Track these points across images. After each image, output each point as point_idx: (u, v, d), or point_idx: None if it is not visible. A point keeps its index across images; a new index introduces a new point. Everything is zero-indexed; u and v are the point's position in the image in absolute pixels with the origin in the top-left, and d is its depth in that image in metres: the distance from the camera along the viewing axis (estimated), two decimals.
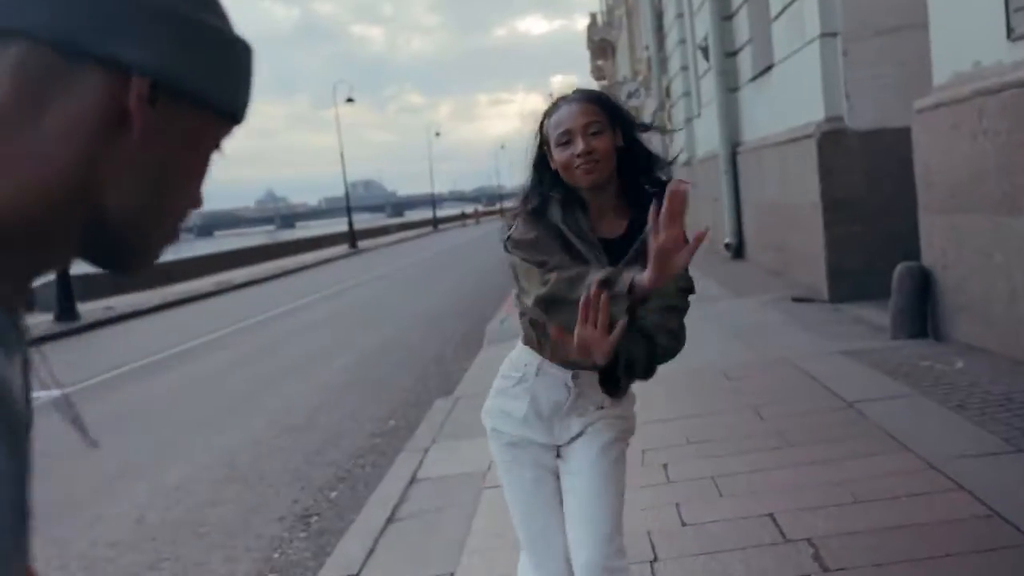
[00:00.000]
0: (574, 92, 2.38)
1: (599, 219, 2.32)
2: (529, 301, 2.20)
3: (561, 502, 2.45)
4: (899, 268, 7.41)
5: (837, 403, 5.48)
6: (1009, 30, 5.90)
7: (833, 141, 10.00)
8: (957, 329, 6.84)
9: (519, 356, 2.47)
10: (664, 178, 2.35)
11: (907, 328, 7.29)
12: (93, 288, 27.44)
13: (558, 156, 2.28)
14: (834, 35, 9.96)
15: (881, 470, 4.23)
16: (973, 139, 6.30)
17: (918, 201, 7.46)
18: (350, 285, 23.41)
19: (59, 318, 19.16)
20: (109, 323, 20.38)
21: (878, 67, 9.88)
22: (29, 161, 0.70)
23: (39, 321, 18.41)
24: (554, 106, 2.34)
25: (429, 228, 75.94)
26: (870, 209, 9.96)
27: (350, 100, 47.10)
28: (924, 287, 7.26)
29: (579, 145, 2.23)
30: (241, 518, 5.63)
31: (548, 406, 2.41)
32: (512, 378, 2.46)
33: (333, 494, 5.88)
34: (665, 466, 4.72)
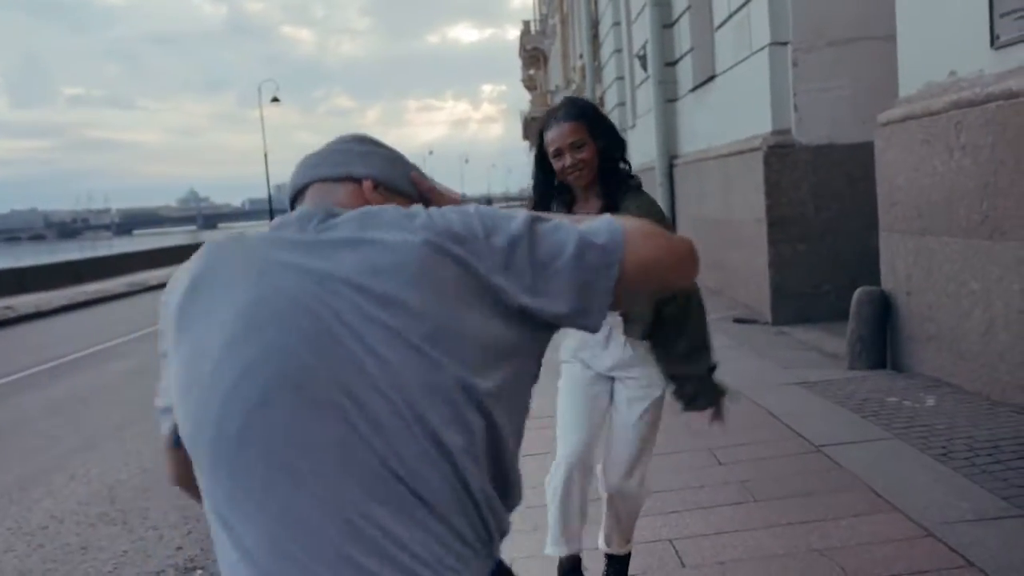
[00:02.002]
0: (563, 109, 3.06)
1: (584, 203, 3.06)
2: None
3: (601, 417, 3.19)
4: (858, 293, 6.86)
5: (803, 446, 4.86)
6: (993, 37, 5.37)
7: (780, 155, 9.49)
8: (922, 361, 6.30)
9: None
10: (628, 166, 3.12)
11: (866, 358, 6.73)
12: None
13: (554, 164, 3.02)
14: (784, 44, 9.45)
15: (870, 535, 3.60)
16: (949, 155, 5.76)
17: (879, 221, 6.92)
18: None
19: None
20: (6, 325, 19.07)
21: (830, 79, 9.40)
22: None
23: None
24: (548, 121, 3.03)
25: None
26: (817, 227, 9.48)
27: (275, 100, 45.89)
28: (884, 314, 6.72)
29: (567, 159, 2.97)
30: (111, 569, 4.79)
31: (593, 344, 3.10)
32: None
33: None
34: None
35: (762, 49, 9.70)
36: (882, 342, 6.74)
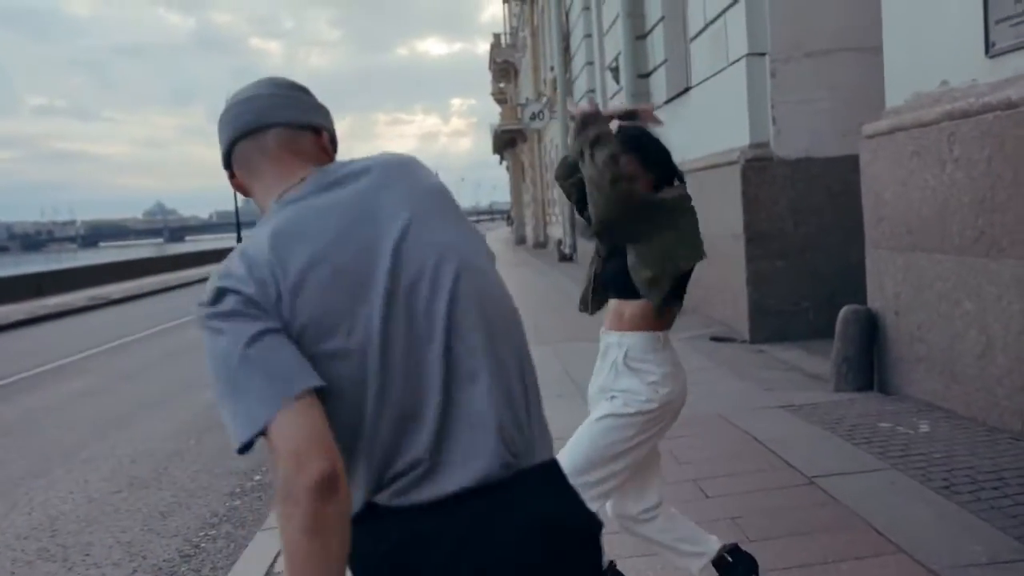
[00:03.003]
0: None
1: None
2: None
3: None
4: (844, 312, 6.59)
5: (794, 477, 4.55)
6: (988, 44, 5.12)
7: (758, 169, 9.25)
8: (912, 384, 6.03)
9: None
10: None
11: (852, 379, 6.46)
12: None
13: None
14: (762, 55, 9.23)
15: None
16: (941, 168, 5.51)
17: (865, 237, 6.65)
18: None
19: None
20: None
21: (809, 91, 9.18)
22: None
23: None
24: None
25: None
26: (796, 243, 9.24)
27: None
28: (871, 334, 6.45)
29: None
30: None
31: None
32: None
33: None
34: None
35: (739, 60, 9.47)
36: (869, 363, 6.47)
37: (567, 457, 2.85)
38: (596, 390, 3.07)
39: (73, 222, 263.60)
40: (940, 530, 3.69)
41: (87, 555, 5.14)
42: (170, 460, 7.13)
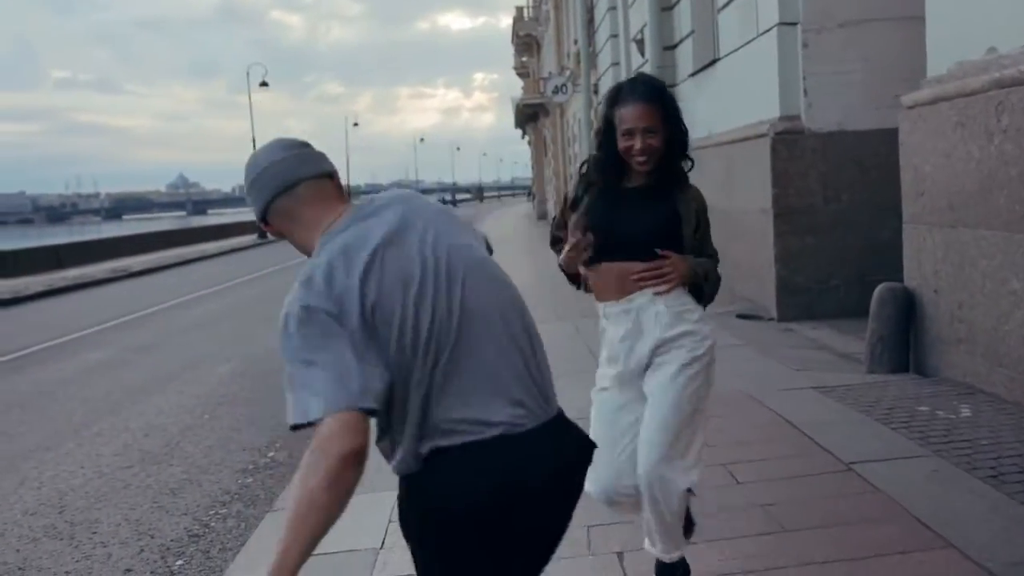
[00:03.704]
0: (640, 86, 2.94)
1: (635, 181, 2.94)
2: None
3: (633, 439, 2.95)
4: (879, 290, 6.33)
5: (830, 463, 4.32)
6: None
7: (788, 142, 8.96)
8: (951, 366, 5.78)
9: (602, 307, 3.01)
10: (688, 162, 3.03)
11: (887, 361, 6.21)
12: None
13: (621, 143, 2.88)
14: (793, 25, 8.90)
15: None
16: (987, 139, 5.23)
17: (903, 212, 6.37)
18: (250, 278, 21.67)
19: None
20: None
21: (841, 62, 8.86)
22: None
23: None
24: (622, 95, 2.91)
25: None
26: (826, 219, 8.95)
27: (264, 84, 45.09)
28: (908, 313, 6.19)
29: (637, 142, 2.84)
30: None
31: (617, 337, 2.94)
32: (601, 331, 3.04)
33: (178, 563, 4.49)
34: (620, 556, 3.50)
35: (770, 30, 9.16)
36: (905, 344, 6.22)
37: (665, 433, 2.84)
38: (648, 351, 2.91)
39: (97, 195, 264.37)
40: (991, 524, 3.45)
41: (94, 533, 4.99)
42: (183, 435, 6.98)
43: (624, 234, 2.88)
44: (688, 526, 3.14)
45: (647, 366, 2.92)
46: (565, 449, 1.95)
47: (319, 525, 1.65)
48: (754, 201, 9.49)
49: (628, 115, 2.86)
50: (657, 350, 2.89)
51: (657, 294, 2.86)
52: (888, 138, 8.22)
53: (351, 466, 1.65)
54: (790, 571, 3.22)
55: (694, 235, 2.94)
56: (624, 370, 2.95)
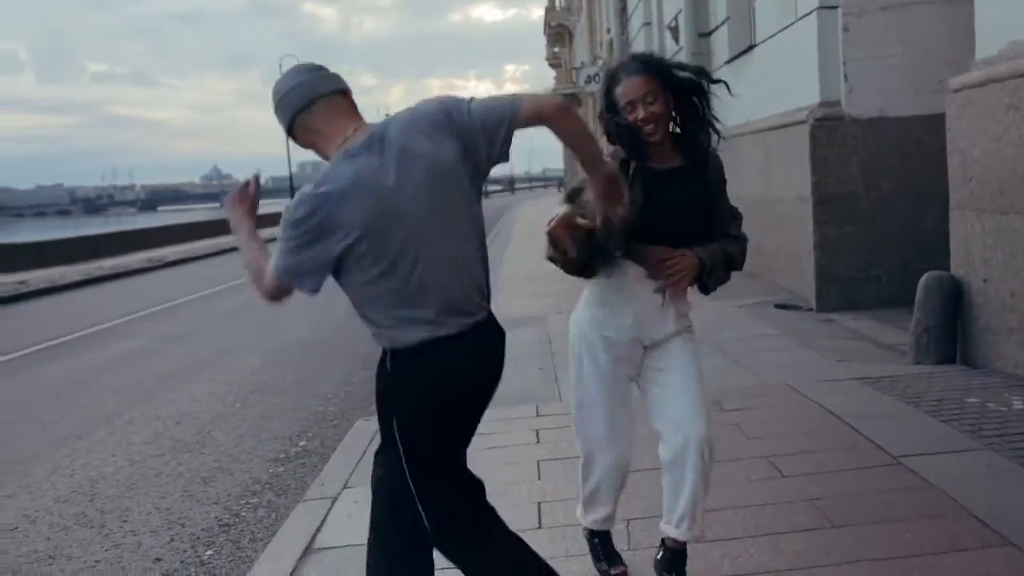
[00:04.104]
0: (630, 63, 2.98)
1: (663, 159, 2.95)
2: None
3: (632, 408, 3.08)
4: (925, 278, 6.14)
5: (878, 456, 4.17)
6: None
7: (828, 129, 8.76)
8: (1001, 357, 5.59)
9: (612, 280, 2.94)
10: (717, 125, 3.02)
11: (933, 351, 6.03)
12: (13, 260, 25.65)
13: (629, 118, 2.90)
14: (834, 8, 8.69)
15: None
16: None
17: (950, 198, 6.18)
18: None
19: None
20: (18, 300, 18.63)
21: (882, 47, 8.64)
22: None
23: None
24: (615, 77, 2.96)
25: None
26: (866, 207, 8.74)
27: None
28: (955, 302, 6.00)
29: (640, 112, 2.88)
30: None
31: (645, 312, 2.95)
32: (611, 294, 2.97)
33: (208, 552, 4.43)
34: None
35: (809, 14, 8.96)
36: (952, 334, 6.03)
37: (702, 398, 2.95)
38: (655, 329, 2.99)
39: (133, 186, 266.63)
40: None
41: (124, 521, 4.94)
42: (214, 423, 6.93)
43: (658, 215, 2.87)
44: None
45: (648, 346, 3.01)
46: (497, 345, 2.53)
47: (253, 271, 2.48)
48: (792, 189, 9.31)
49: (625, 90, 2.89)
50: (659, 333, 3.00)
51: (659, 292, 2.93)
52: (931, 124, 8.02)
53: (267, 300, 2.46)
54: (841, 569, 3.08)
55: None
56: (638, 335, 2.98)
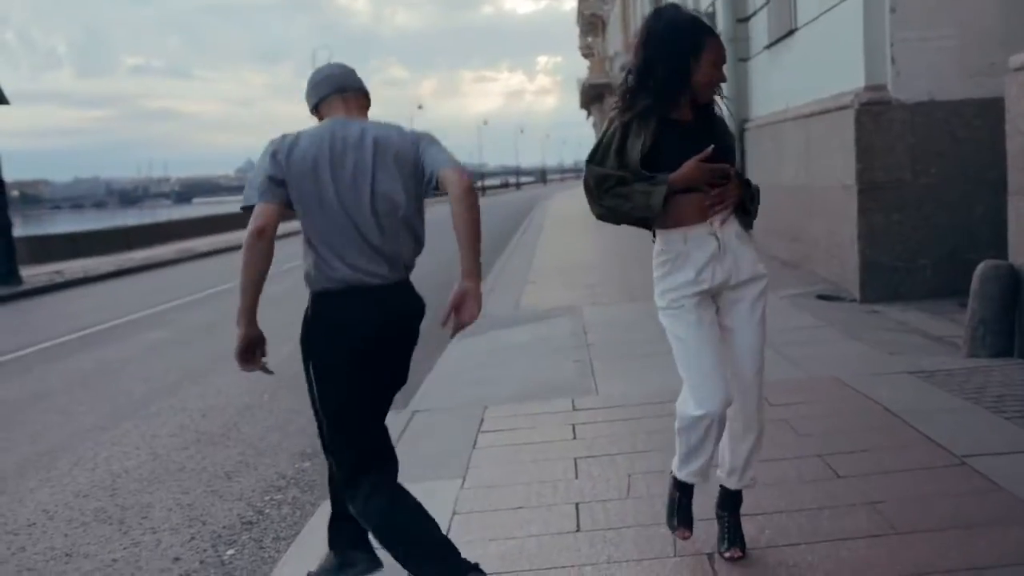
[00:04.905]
0: (709, 22, 3.13)
1: (680, 110, 3.05)
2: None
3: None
4: (981, 267, 5.84)
5: (941, 456, 3.90)
6: None
7: (874, 114, 8.42)
8: None
9: (662, 243, 3.06)
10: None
11: (990, 344, 5.72)
12: (49, 251, 25.88)
13: (704, 73, 2.98)
14: None
15: None
16: None
17: (1008, 183, 5.88)
18: None
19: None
20: (52, 290, 18.73)
21: (931, 28, 8.29)
22: None
23: None
24: (703, 26, 3.03)
25: None
26: (914, 194, 8.40)
27: None
28: (1013, 293, 5.70)
29: (717, 74, 3.02)
30: None
31: (704, 259, 3.00)
32: (669, 260, 3.04)
33: (229, 552, 4.24)
34: (711, 558, 3.13)
35: None
36: (1010, 325, 5.72)
37: (763, 364, 3.09)
38: (727, 269, 3.03)
39: (168, 179, 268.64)
40: None
41: (144, 517, 4.77)
42: (241, 416, 6.77)
43: (682, 160, 2.98)
44: None
45: (719, 291, 3.05)
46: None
47: (247, 278, 3.05)
48: (835, 176, 8.99)
49: (715, 48, 2.98)
50: (729, 281, 3.03)
51: (715, 215, 2.99)
52: (983, 108, 7.69)
53: (257, 238, 2.91)
54: None
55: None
56: (710, 287, 3.01)
